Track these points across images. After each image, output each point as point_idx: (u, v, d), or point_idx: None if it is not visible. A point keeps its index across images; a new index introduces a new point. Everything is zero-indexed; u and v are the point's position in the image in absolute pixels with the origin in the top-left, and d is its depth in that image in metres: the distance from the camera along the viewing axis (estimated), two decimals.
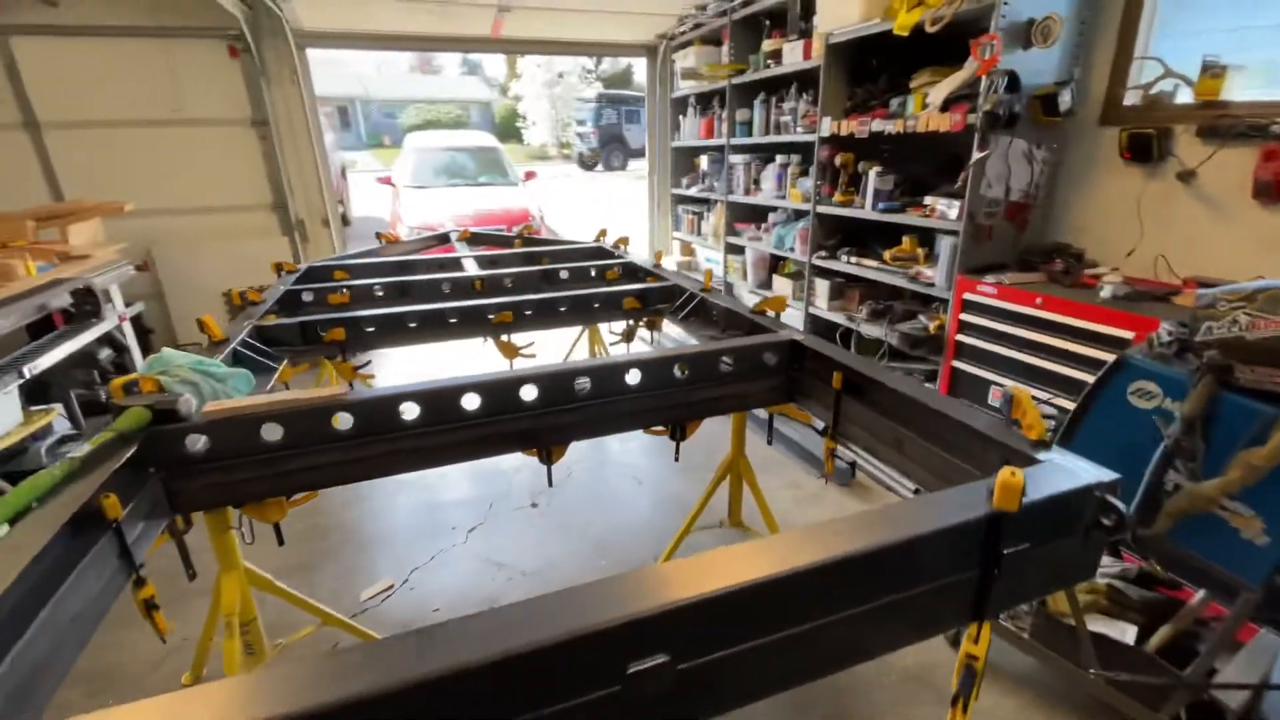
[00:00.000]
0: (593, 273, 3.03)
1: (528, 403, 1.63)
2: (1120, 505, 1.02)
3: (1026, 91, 2.74)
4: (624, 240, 3.52)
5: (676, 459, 2.04)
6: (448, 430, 1.57)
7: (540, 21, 5.17)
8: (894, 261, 3.47)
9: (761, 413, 2.19)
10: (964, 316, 2.98)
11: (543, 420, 1.66)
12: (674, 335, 4.22)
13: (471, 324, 2.45)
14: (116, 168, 4.54)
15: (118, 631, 2.25)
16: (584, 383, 1.68)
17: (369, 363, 2.41)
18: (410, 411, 1.52)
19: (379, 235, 3.88)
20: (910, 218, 3.25)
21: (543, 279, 2.96)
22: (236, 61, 4.59)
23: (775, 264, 4.77)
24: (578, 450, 3.56)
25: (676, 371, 1.79)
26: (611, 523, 2.97)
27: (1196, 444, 1.48)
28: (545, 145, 26.30)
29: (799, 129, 4.08)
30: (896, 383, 1.53)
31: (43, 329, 3.36)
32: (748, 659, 0.86)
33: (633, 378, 1.73)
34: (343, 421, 1.47)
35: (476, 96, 29.94)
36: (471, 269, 3.06)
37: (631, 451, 3.60)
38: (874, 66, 3.58)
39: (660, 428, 1.88)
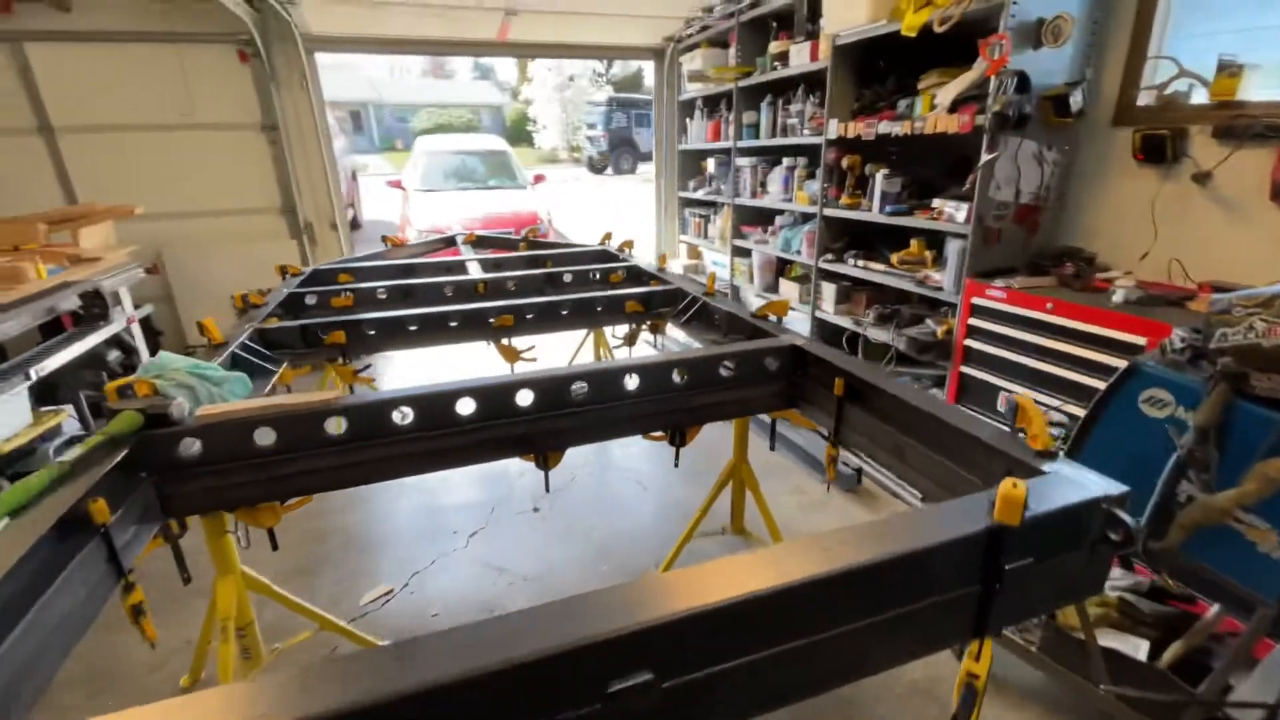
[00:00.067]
0: (596, 276, 3.02)
1: (524, 408, 1.61)
2: (1129, 519, 0.99)
3: (1037, 92, 2.69)
4: (629, 244, 3.51)
5: (676, 464, 2.01)
6: (443, 435, 1.56)
7: (547, 25, 5.17)
8: (901, 265, 3.42)
9: (765, 418, 2.16)
10: (972, 321, 2.93)
11: (539, 425, 1.64)
12: (681, 339, 4.19)
13: (472, 327, 2.44)
14: (128, 171, 4.59)
15: (119, 634, 2.25)
16: (581, 387, 1.66)
17: (369, 366, 2.41)
18: (404, 416, 1.51)
19: (385, 239, 3.89)
20: (918, 220, 3.21)
21: (546, 282, 2.94)
22: (247, 66, 4.63)
23: (782, 267, 4.73)
24: (581, 455, 3.57)
25: (675, 376, 1.76)
26: (614, 528, 2.95)
27: (1210, 454, 1.43)
28: (555, 149, 26.40)
29: (806, 131, 4.05)
30: (899, 390, 1.49)
31: (56, 331, 3.40)
32: (736, 677, 0.83)
33: (631, 383, 1.71)
34: (337, 426, 1.46)
35: (488, 100, 30.14)
36: (475, 272, 3.05)
37: (635, 456, 3.57)
38: (881, 68, 3.54)
39: (659, 433, 1.86)
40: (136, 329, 3.85)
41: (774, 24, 4.31)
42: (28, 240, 3.43)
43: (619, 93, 22.67)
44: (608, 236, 3.66)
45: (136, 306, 3.97)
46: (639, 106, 20.51)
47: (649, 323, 2.77)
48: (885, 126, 3.26)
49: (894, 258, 3.47)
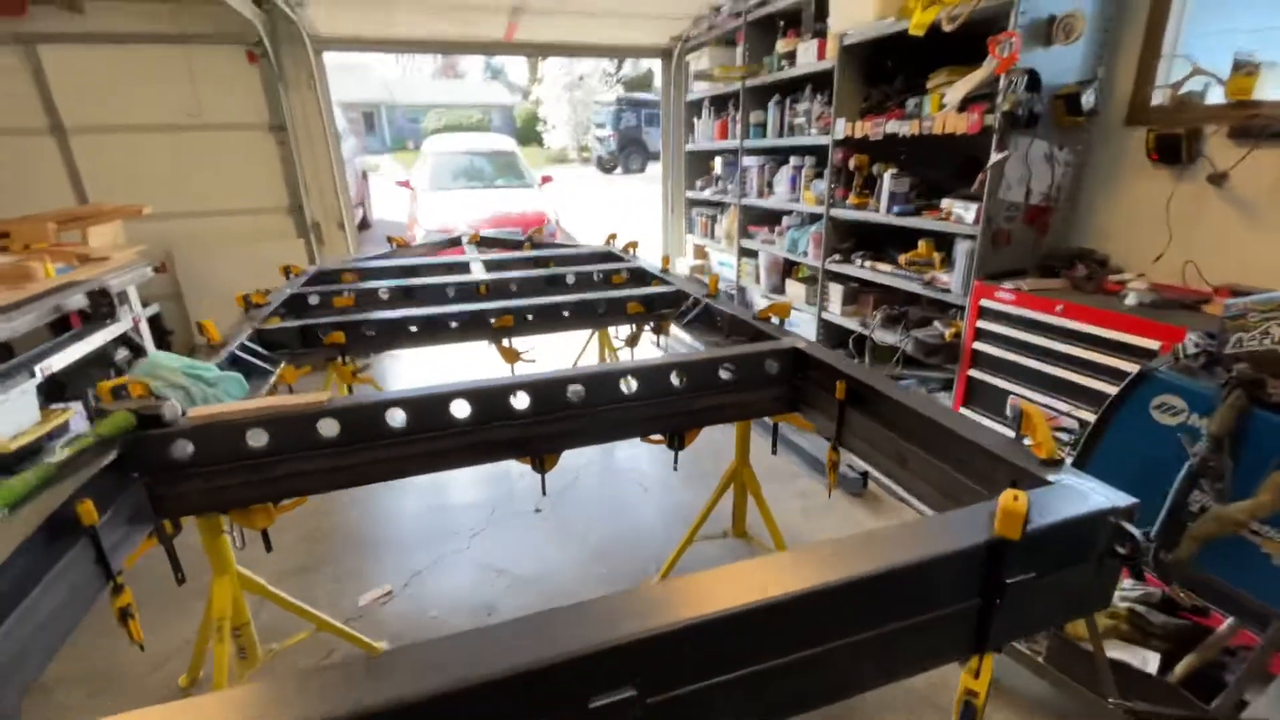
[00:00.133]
0: (598, 277, 3.00)
1: (519, 410, 1.59)
2: (1136, 533, 0.95)
3: (1048, 91, 2.64)
4: (633, 244, 3.48)
5: (675, 468, 1.99)
6: (436, 438, 1.54)
7: (554, 24, 5.16)
8: (909, 266, 3.37)
9: (768, 421, 2.13)
10: (981, 324, 2.88)
11: (534, 428, 1.62)
12: (687, 341, 4.16)
13: (472, 328, 2.43)
14: (138, 171, 4.62)
15: (120, 634, 2.26)
16: (577, 390, 1.64)
17: (367, 366, 2.40)
18: (397, 418, 1.49)
19: (390, 239, 3.89)
20: (926, 221, 3.16)
21: (548, 283, 2.92)
22: (255, 67, 4.65)
23: (789, 268, 4.69)
24: (583, 456, 3.55)
25: (674, 379, 1.74)
26: (614, 530, 2.92)
27: (1224, 463, 1.38)
28: (565, 148, 26.43)
29: (813, 131, 4.01)
30: (901, 394, 1.46)
31: (66, 330, 3.43)
32: (724, 693, 0.81)
33: (628, 385, 1.69)
34: (329, 428, 1.45)
35: (498, 100, 30.22)
36: (478, 273, 3.04)
37: (638, 457, 3.55)
38: (889, 67, 3.50)
39: (658, 436, 1.83)
40: (144, 327, 3.87)
41: (781, 23, 4.27)
42: (37, 239, 3.46)
43: (629, 92, 22.65)
44: (612, 237, 3.64)
45: (145, 305, 4.00)
46: (648, 106, 20.48)
47: (652, 324, 2.74)
48: (893, 126, 3.22)
49: (902, 259, 3.42)
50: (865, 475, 3.13)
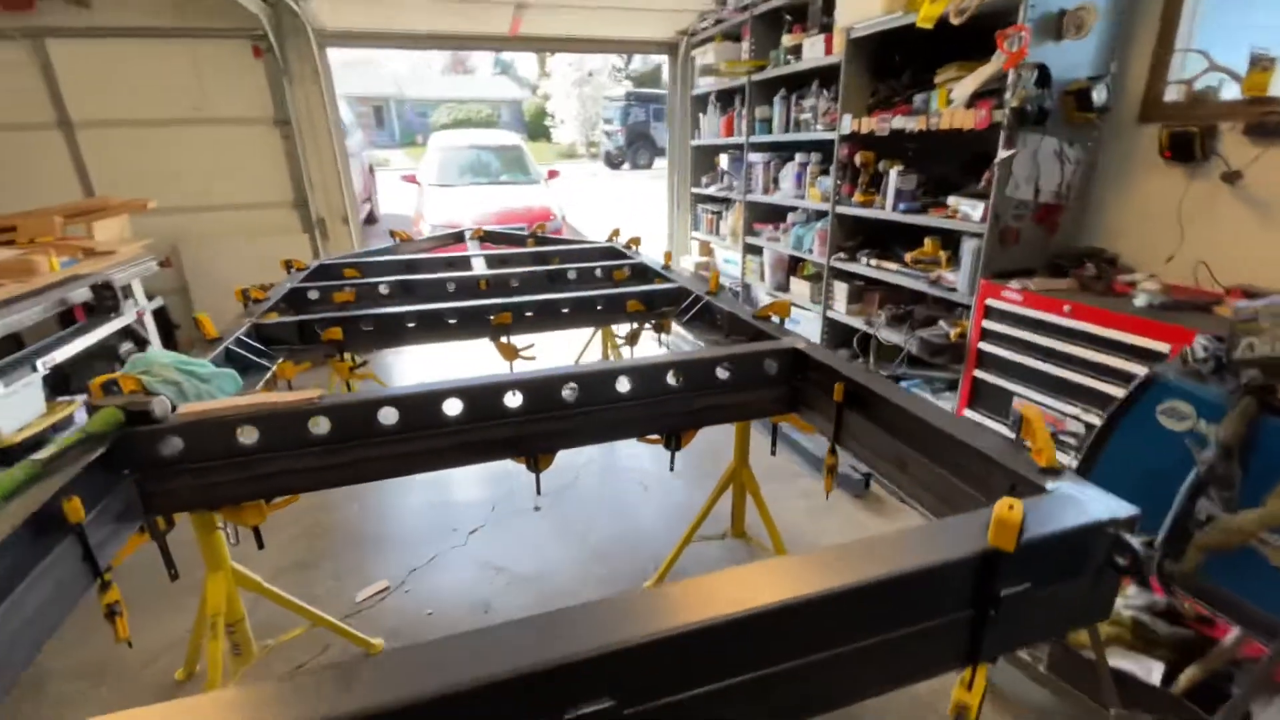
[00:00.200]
0: (600, 273, 2.97)
1: (513, 409, 1.58)
2: (1136, 544, 0.92)
3: (1058, 86, 2.59)
4: (635, 240, 3.45)
5: (671, 469, 1.97)
6: (428, 436, 1.53)
7: (559, 19, 5.13)
8: (915, 264, 3.33)
9: (769, 421, 2.10)
10: (987, 324, 2.84)
11: (528, 427, 1.61)
12: (690, 339, 4.14)
13: (471, 324, 2.41)
14: (145, 165, 4.64)
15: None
16: (572, 389, 1.62)
17: (365, 363, 2.39)
18: (389, 417, 1.48)
19: (393, 233, 3.89)
20: (932, 219, 3.12)
21: (549, 279, 2.90)
22: (260, 61, 4.65)
23: (794, 265, 4.65)
24: (584, 454, 3.53)
25: (671, 379, 1.71)
26: (613, 529, 2.91)
27: (1233, 471, 1.35)
28: (574, 144, 26.36)
29: (819, 126, 3.96)
30: (900, 397, 1.43)
31: (73, 322, 3.45)
32: (706, 705, 0.79)
33: (623, 385, 1.67)
34: (320, 426, 1.44)
35: (507, 96, 30.17)
36: (479, 268, 3.02)
37: (639, 456, 3.53)
38: (897, 61, 3.44)
39: (655, 436, 1.81)
40: (149, 321, 3.89)
41: (788, 17, 4.22)
42: (43, 233, 3.48)
43: (638, 88, 22.55)
44: (615, 233, 3.61)
45: (150, 299, 4.02)
46: (657, 101, 20.38)
47: (653, 322, 2.72)
48: (900, 122, 3.17)
49: (907, 257, 3.38)
50: (868, 476, 3.09)
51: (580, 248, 3.55)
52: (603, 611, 0.77)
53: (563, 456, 1.70)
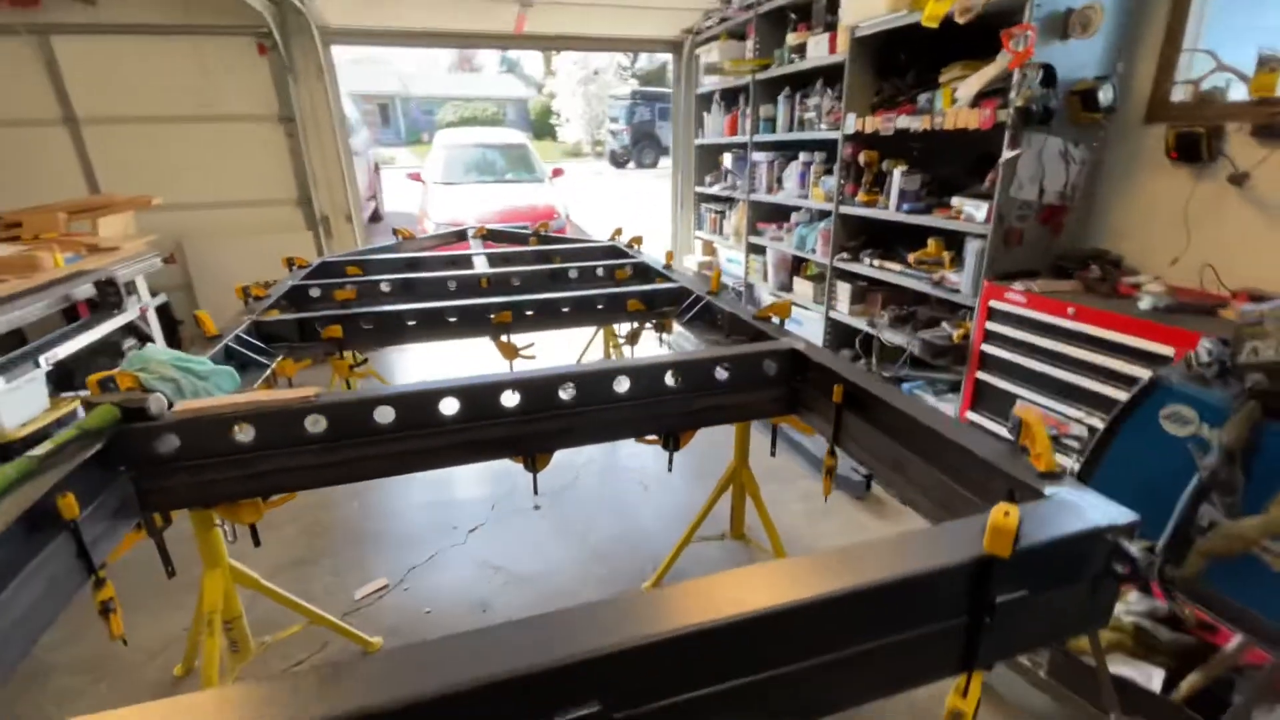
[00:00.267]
0: (601, 272, 2.96)
1: (509, 409, 1.57)
2: (1134, 552, 0.91)
3: (1064, 86, 2.57)
4: (638, 240, 3.44)
5: (670, 469, 1.96)
6: (425, 435, 1.52)
7: (564, 16, 5.11)
8: (918, 265, 3.31)
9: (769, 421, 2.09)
10: (990, 325, 2.82)
11: (525, 427, 1.60)
12: (692, 339, 4.12)
13: (471, 323, 2.41)
14: (150, 162, 4.66)
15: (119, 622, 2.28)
16: (569, 389, 1.61)
17: (365, 360, 2.39)
18: (386, 415, 1.48)
19: (396, 231, 3.89)
20: (936, 220, 3.09)
21: (551, 278, 2.90)
22: (265, 59, 4.66)
23: (797, 265, 4.63)
24: (584, 454, 3.53)
25: (669, 379, 1.71)
26: (613, 529, 2.90)
27: (1236, 477, 1.33)
28: (579, 142, 26.35)
29: (823, 126, 3.94)
30: (898, 400, 1.42)
31: (77, 318, 3.47)
32: (693, 710, 0.78)
33: (621, 385, 1.66)
34: (316, 424, 1.44)
35: (513, 94, 30.18)
36: (481, 267, 3.02)
37: (640, 455, 3.52)
38: (902, 61, 3.42)
39: (653, 437, 1.80)
40: (152, 317, 3.90)
41: (792, 15, 4.20)
42: (47, 229, 3.50)
43: (644, 86, 22.52)
44: (618, 232, 3.61)
45: (154, 295, 4.03)
46: (662, 100, 20.36)
47: (654, 322, 2.71)
48: (904, 121, 3.15)
49: (911, 258, 3.36)
50: (869, 478, 3.08)
51: (582, 246, 3.54)
52: (590, 615, 0.76)
53: (563, 456, 1.69)
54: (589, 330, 4.36)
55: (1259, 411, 1.31)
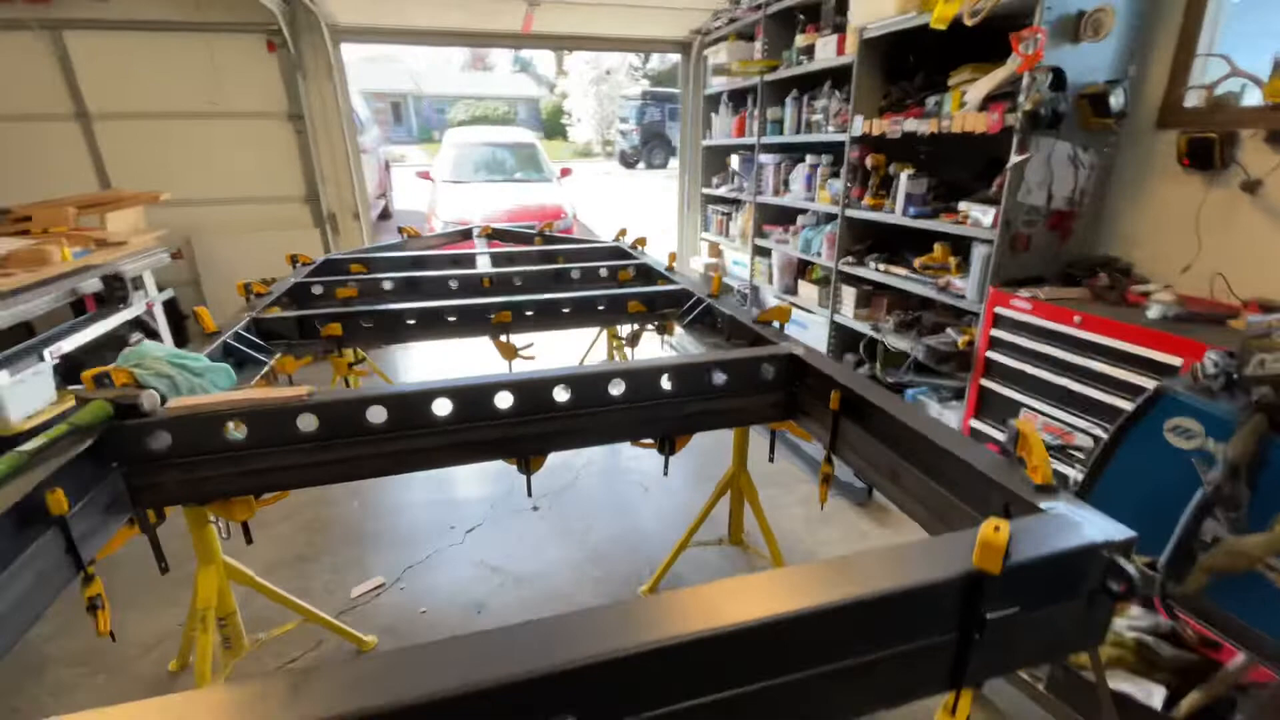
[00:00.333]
0: (603, 273, 2.95)
1: (503, 410, 1.56)
2: (1131, 569, 0.88)
3: (1074, 90, 2.53)
4: (641, 241, 3.43)
5: (665, 473, 1.94)
6: (418, 435, 1.52)
7: (572, 16, 5.11)
8: (924, 270, 3.28)
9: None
10: (995, 332, 2.78)
11: (519, 429, 1.59)
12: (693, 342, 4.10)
13: (471, 323, 2.40)
14: (160, 158, 4.70)
15: (115, 613, 2.29)
16: (564, 391, 1.60)
17: (364, 359, 2.39)
18: (378, 415, 1.47)
19: (401, 229, 3.89)
20: (942, 224, 3.06)
21: (553, 279, 2.89)
22: (274, 56, 4.68)
23: (802, 268, 4.60)
24: (584, 455, 3.52)
25: (665, 383, 1.69)
26: (612, 531, 2.89)
27: (1241, 492, 1.30)
28: (590, 142, 26.38)
29: (830, 128, 3.91)
30: (896, 408, 1.40)
31: (85, 312, 3.50)
32: None
33: (616, 388, 1.64)
34: (308, 423, 1.43)
35: (525, 93, 30.26)
36: (484, 266, 3.01)
37: (640, 457, 3.50)
38: (910, 63, 3.39)
39: (649, 440, 1.79)
40: (159, 312, 3.93)
41: (801, 16, 4.18)
42: (56, 224, 3.53)
43: (656, 86, 22.49)
44: (622, 233, 3.59)
45: (162, 290, 4.07)
46: (673, 101, 20.31)
47: (656, 324, 2.69)
48: (911, 124, 3.12)
49: (916, 262, 3.32)
50: (870, 485, 3.05)
51: (586, 247, 3.53)
52: (563, 627, 0.75)
53: (563, 457, 1.68)
54: (592, 331, 4.35)
55: (1265, 425, 1.28)
